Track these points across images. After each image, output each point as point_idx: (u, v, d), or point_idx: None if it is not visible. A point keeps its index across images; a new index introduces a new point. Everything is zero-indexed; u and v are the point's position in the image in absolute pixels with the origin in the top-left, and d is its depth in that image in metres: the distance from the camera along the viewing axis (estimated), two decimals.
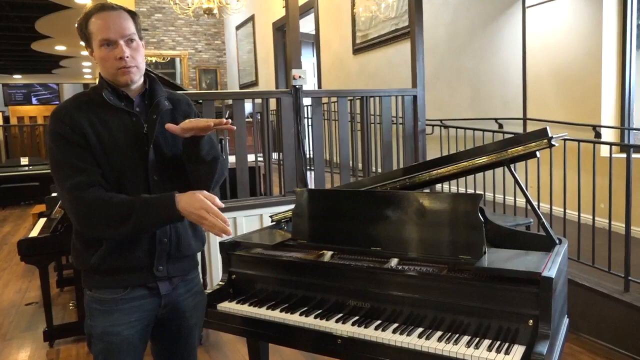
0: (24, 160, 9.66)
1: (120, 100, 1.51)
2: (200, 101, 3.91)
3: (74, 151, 1.43)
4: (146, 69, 1.58)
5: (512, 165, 1.94)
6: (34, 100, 19.65)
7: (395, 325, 1.71)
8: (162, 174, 1.53)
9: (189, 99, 1.72)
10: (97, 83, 1.55)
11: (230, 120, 1.45)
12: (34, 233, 3.60)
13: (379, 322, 1.74)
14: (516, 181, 1.94)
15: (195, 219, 1.41)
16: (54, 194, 5.07)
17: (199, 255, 1.77)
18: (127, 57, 1.46)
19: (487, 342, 1.57)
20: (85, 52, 12.07)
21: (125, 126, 1.50)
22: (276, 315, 1.88)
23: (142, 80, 1.56)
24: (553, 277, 1.51)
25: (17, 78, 18.65)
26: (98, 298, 1.52)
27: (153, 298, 1.56)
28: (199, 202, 1.39)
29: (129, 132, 1.49)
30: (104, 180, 1.46)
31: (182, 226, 1.58)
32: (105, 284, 1.51)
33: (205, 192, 1.44)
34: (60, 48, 11.96)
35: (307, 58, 8.84)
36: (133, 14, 1.51)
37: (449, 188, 4.97)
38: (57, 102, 19.71)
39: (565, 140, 3.55)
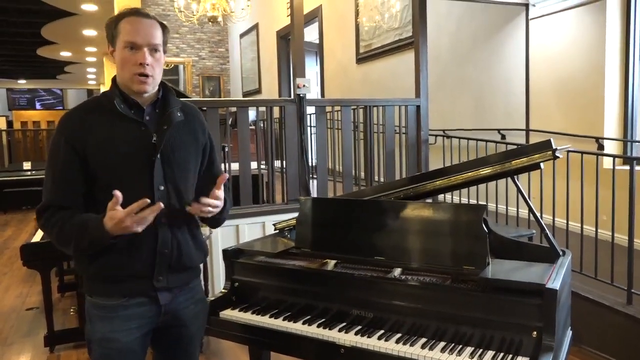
0: (27, 165, 9.66)
1: (130, 108, 1.51)
2: (205, 108, 3.92)
3: (58, 168, 1.48)
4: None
5: (515, 176, 1.95)
6: (37, 105, 19.74)
7: (399, 335, 1.71)
8: (169, 185, 1.52)
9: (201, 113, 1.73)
10: (109, 88, 1.55)
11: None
12: (37, 238, 3.59)
13: (382, 331, 1.74)
14: (520, 192, 1.94)
15: (125, 231, 1.39)
16: None
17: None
18: (148, 64, 1.46)
19: (490, 353, 1.57)
20: (90, 58, 12.10)
21: (133, 135, 1.49)
22: (279, 323, 1.88)
23: (155, 89, 1.56)
24: (557, 288, 1.51)
25: (22, 83, 18.74)
26: (98, 304, 1.52)
27: (153, 306, 1.55)
28: (112, 218, 1.38)
29: (136, 142, 1.49)
30: (78, 200, 1.48)
31: (183, 237, 1.58)
32: (105, 291, 1.52)
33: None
34: (65, 54, 12.02)
35: (311, 66, 8.87)
36: (164, 27, 1.53)
37: (452, 198, 4.97)
38: (60, 107, 19.81)
39: (568, 151, 3.55)
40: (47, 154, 1.52)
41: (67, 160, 1.46)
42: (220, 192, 1.53)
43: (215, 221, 1.67)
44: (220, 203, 1.54)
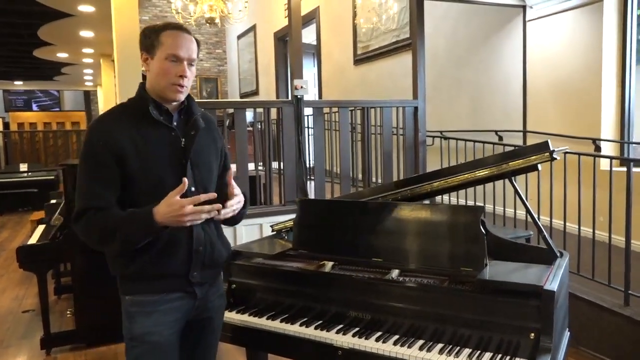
0: (23, 167, 9.64)
1: (160, 114, 1.59)
2: (202, 110, 3.92)
3: (96, 170, 1.52)
4: None
5: (513, 178, 1.95)
6: (34, 107, 19.69)
7: (396, 337, 1.71)
8: (198, 186, 1.61)
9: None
10: (136, 95, 1.62)
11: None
12: (33, 240, 3.59)
13: (379, 333, 1.74)
14: (517, 193, 1.95)
15: (178, 221, 1.45)
16: (53, 201, 5.06)
17: None
18: (186, 77, 1.57)
19: (488, 355, 1.57)
20: (87, 60, 11.97)
21: (165, 140, 1.58)
22: (276, 325, 1.88)
23: None
24: (555, 290, 1.51)
25: (18, 84, 18.67)
26: (138, 301, 1.58)
27: (189, 300, 1.63)
28: (173, 204, 1.44)
29: (168, 146, 1.58)
30: (118, 202, 1.53)
31: (213, 235, 1.67)
32: (144, 289, 1.58)
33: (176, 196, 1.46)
34: (62, 55, 11.98)
35: (308, 68, 8.87)
36: (198, 44, 1.65)
37: (449, 200, 4.97)
38: (57, 109, 19.75)
39: (565, 153, 3.56)
40: (79, 159, 1.56)
41: (105, 164, 1.51)
42: (236, 189, 1.61)
43: (238, 216, 1.71)
44: (239, 198, 1.61)
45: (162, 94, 1.58)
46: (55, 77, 16.49)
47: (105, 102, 11.01)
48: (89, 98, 19.04)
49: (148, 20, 11.42)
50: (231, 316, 1.97)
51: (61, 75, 15.90)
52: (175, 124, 1.61)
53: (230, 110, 4.89)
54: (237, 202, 1.60)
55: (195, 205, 1.44)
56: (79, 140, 12.17)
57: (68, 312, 3.90)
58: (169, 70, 1.55)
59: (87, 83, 18.02)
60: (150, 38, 1.57)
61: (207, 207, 1.46)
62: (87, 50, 10.88)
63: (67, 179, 3.36)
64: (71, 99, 20.14)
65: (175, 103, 1.62)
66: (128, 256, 1.54)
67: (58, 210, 4.10)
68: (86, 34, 8.74)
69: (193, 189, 1.59)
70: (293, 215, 2.18)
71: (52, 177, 9.34)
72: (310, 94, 8.22)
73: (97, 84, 16.94)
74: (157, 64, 1.56)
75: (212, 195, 1.49)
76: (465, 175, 1.98)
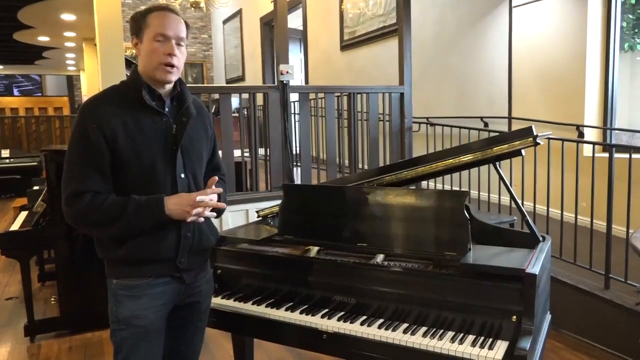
0: (5, 153, 9.48)
1: (152, 100, 1.58)
2: (194, 97, 3.88)
3: (88, 153, 1.50)
4: None
5: (497, 163, 1.96)
6: (15, 92, 19.28)
7: (381, 320, 1.72)
8: (188, 173, 1.63)
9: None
10: (130, 79, 1.60)
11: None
12: (15, 227, 3.54)
13: (364, 317, 1.75)
14: (501, 179, 1.96)
15: (186, 212, 1.54)
16: (36, 187, 4.99)
17: None
18: (175, 55, 1.56)
19: (471, 337, 1.59)
20: (69, 44, 11.71)
21: (156, 126, 1.57)
22: (261, 310, 1.88)
23: (176, 79, 1.64)
24: (537, 273, 1.53)
25: None
26: (125, 284, 1.58)
27: (176, 284, 1.64)
28: (185, 196, 1.55)
29: (160, 132, 1.57)
30: (109, 186, 1.54)
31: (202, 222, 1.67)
32: (132, 274, 1.58)
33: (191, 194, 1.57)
34: (43, 39, 11.73)
35: (295, 54, 8.81)
36: (187, 25, 1.65)
37: (435, 185, 5.00)
38: (39, 94, 19.37)
39: (549, 139, 3.59)
40: (70, 141, 1.54)
41: (98, 148, 1.50)
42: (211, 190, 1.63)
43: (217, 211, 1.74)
44: (210, 197, 1.61)
45: (152, 76, 1.56)
46: (36, 61, 16.13)
47: (88, 87, 10.84)
48: (72, 83, 18.69)
49: (131, 4, 11.21)
50: (216, 301, 1.97)
51: (43, 60, 15.56)
52: (167, 109, 1.60)
53: (216, 96, 4.85)
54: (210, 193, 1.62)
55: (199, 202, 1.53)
56: (62, 126, 11.97)
57: (52, 299, 3.87)
58: (157, 49, 1.53)
59: (69, 67, 17.67)
60: (138, 22, 1.57)
61: (207, 198, 1.55)
62: (69, 34, 10.66)
63: (49, 165, 3.31)
64: (54, 84, 19.75)
65: (167, 88, 1.61)
66: (118, 240, 1.54)
67: (41, 197, 4.05)
68: (67, 17, 8.55)
69: (182, 175, 1.60)
70: (279, 201, 2.18)
71: (35, 164, 9.20)
72: (297, 80, 8.19)
73: (80, 68, 16.62)
74: (146, 46, 1.55)
75: (219, 190, 1.58)
76: (450, 161, 1.98)
